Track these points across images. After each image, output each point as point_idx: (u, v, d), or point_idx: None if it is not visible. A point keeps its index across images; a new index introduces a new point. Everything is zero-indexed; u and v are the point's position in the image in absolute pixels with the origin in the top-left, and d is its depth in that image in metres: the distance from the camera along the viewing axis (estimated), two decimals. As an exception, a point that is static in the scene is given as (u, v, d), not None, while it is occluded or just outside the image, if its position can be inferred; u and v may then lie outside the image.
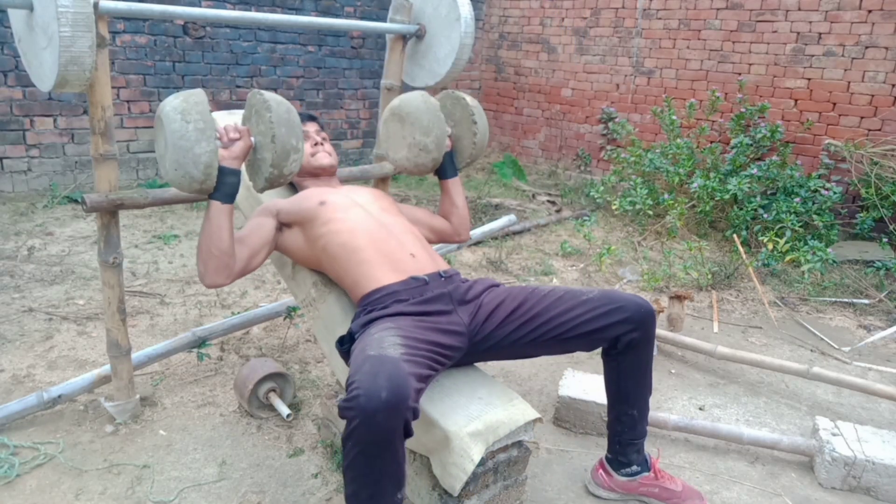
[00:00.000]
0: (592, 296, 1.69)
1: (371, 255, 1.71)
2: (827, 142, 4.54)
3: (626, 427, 1.81)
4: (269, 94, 1.64)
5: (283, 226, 1.84)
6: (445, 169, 2.01)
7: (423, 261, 1.76)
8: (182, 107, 1.54)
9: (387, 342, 1.43)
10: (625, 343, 1.67)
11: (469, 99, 1.97)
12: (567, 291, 1.72)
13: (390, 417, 1.27)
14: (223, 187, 1.62)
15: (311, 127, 2.06)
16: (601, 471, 1.89)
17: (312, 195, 1.85)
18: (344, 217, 1.78)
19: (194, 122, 1.53)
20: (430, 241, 2.06)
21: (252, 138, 1.66)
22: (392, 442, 1.30)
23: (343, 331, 1.77)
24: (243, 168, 1.70)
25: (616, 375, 1.77)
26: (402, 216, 1.94)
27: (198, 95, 1.58)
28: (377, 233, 1.77)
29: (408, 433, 1.31)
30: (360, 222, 1.78)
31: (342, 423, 1.95)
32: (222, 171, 1.60)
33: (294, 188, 2.08)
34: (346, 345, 1.61)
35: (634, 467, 1.83)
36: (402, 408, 1.28)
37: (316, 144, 2.02)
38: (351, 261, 1.71)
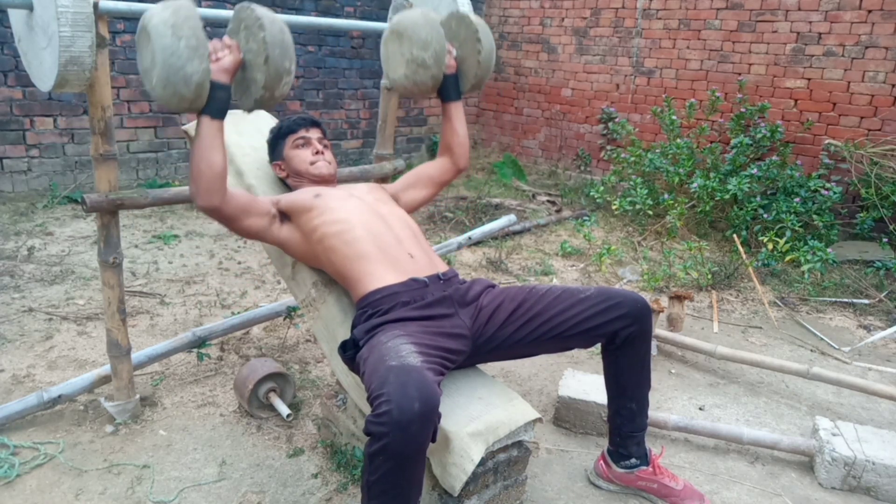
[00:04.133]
0: (589, 293, 1.70)
1: (369, 250, 1.71)
2: (827, 142, 4.54)
3: (625, 420, 1.82)
4: (261, 10, 1.52)
5: (282, 216, 1.83)
6: (448, 91, 1.93)
7: (422, 262, 1.76)
8: (172, 20, 1.42)
9: (404, 350, 1.43)
10: (623, 338, 1.69)
11: (474, 17, 1.89)
12: (564, 290, 1.73)
13: (424, 427, 1.27)
14: (213, 102, 1.53)
15: (314, 133, 2.03)
16: (601, 462, 1.92)
17: (309, 190, 1.87)
18: (339, 206, 1.78)
19: (186, 39, 1.41)
20: (434, 192, 2.07)
21: (241, 54, 1.57)
22: (423, 451, 1.31)
23: (343, 332, 1.77)
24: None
25: (615, 370, 1.79)
26: (399, 207, 1.94)
27: (188, 8, 1.46)
28: (374, 225, 1.76)
29: (434, 439, 1.32)
30: (355, 212, 1.78)
31: (342, 423, 1.96)
32: (212, 85, 1.50)
33: (290, 189, 2.08)
34: (349, 351, 1.61)
35: (633, 460, 1.84)
36: (434, 416, 1.29)
37: (317, 153, 1.99)
38: (349, 255, 1.71)
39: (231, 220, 1.70)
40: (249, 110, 1.63)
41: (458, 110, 2.00)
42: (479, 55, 1.87)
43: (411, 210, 2.03)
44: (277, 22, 1.55)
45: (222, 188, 1.61)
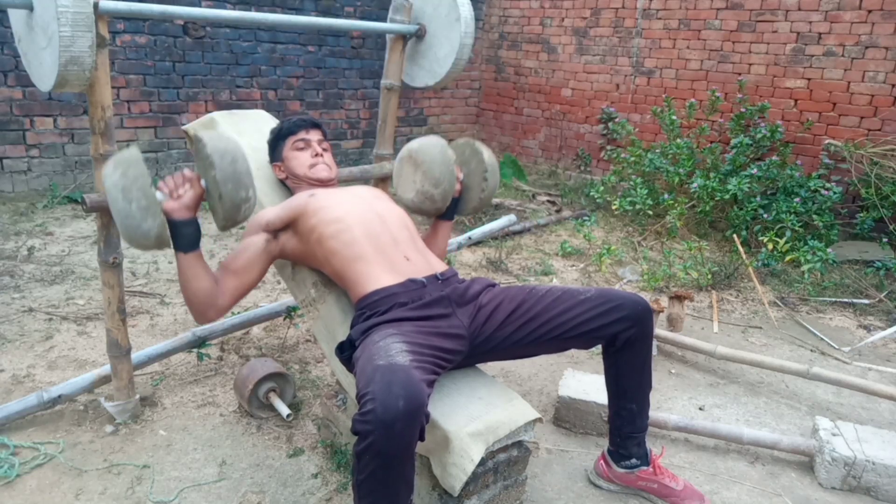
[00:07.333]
0: (590, 295, 1.70)
1: (367, 251, 1.71)
2: (827, 142, 4.54)
3: (625, 421, 1.82)
4: (211, 145, 1.55)
5: (277, 233, 1.82)
6: (446, 212, 2.02)
7: (419, 263, 1.76)
8: (122, 184, 1.47)
9: (393, 349, 1.43)
10: (623, 340, 1.69)
11: (486, 154, 1.99)
12: (564, 291, 1.73)
13: (409, 426, 1.26)
14: (181, 239, 1.58)
15: (314, 135, 2.02)
16: (602, 462, 1.92)
17: (303, 193, 1.87)
18: (335, 203, 1.78)
19: (136, 201, 1.47)
20: None
21: (203, 182, 1.60)
22: (410, 450, 1.30)
23: (343, 332, 1.77)
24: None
25: (615, 371, 1.79)
26: (396, 205, 1.95)
27: (136, 167, 1.49)
28: (371, 224, 1.76)
29: (421, 438, 1.31)
30: (352, 209, 1.78)
31: (342, 423, 1.96)
32: (175, 224, 1.55)
33: (289, 190, 2.08)
34: (346, 352, 1.61)
35: (633, 460, 1.84)
36: (419, 415, 1.28)
37: (316, 155, 1.98)
38: (347, 256, 1.71)
39: (242, 296, 1.75)
40: (222, 230, 1.67)
41: (446, 228, 2.08)
42: (483, 193, 2.00)
43: None
44: (228, 153, 1.56)
45: (214, 304, 1.67)
